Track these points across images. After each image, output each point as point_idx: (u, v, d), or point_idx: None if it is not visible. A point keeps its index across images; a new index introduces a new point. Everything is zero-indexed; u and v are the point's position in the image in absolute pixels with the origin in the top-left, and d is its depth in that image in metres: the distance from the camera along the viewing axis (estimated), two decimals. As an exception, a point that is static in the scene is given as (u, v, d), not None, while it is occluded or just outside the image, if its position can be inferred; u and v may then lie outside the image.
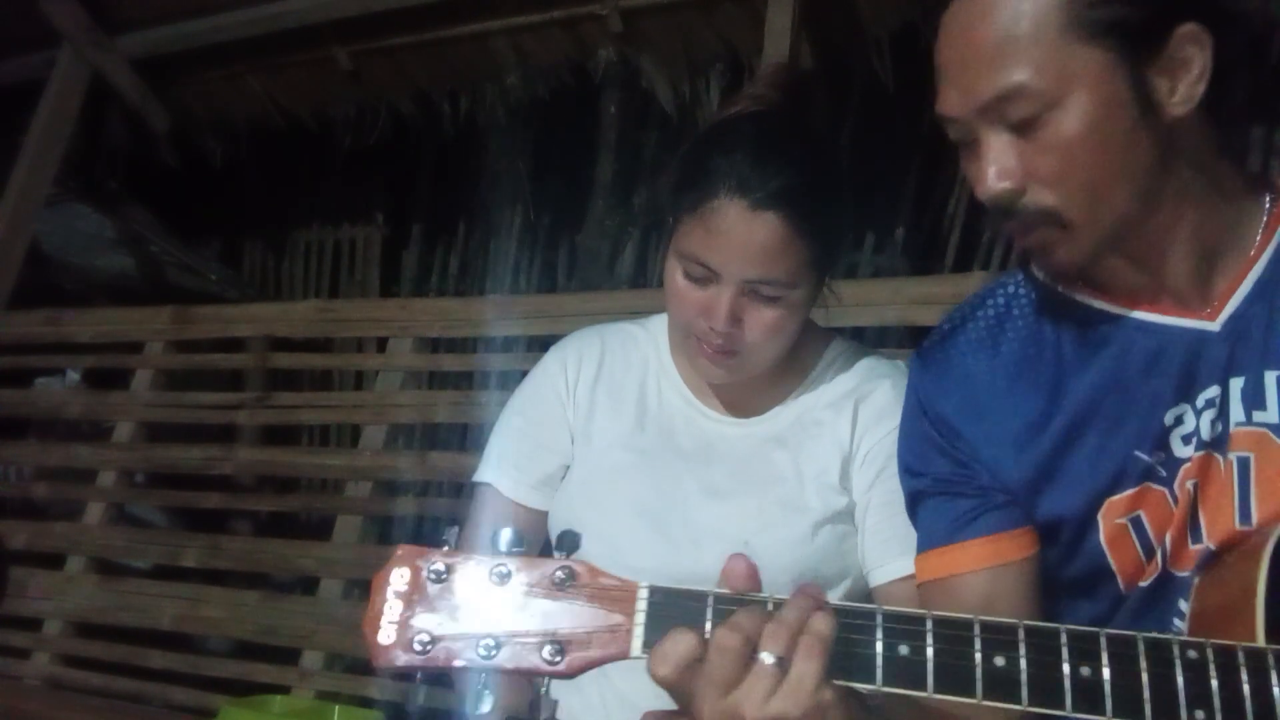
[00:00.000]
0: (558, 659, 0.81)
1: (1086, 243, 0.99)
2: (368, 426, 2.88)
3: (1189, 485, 1.00)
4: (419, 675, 0.84)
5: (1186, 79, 0.95)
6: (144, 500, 3.28)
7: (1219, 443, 0.99)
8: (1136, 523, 1.03)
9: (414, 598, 0.84)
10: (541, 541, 1.37)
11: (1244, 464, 0.98)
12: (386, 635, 0.83)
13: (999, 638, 0.81)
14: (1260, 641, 0.83)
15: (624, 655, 0.82)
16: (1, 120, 3.84)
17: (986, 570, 1.07)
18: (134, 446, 3.17)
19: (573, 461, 1.38)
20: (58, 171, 3.75)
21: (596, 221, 3.82)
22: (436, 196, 4.56)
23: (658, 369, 1.41)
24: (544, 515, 1.38)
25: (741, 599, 0.84)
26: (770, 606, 0.83)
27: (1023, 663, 0.80)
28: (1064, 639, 0.81)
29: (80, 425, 3.40)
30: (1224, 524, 0.98)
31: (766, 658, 0.80)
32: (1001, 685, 0.80)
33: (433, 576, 0.84)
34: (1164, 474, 1.01)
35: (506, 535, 0.85)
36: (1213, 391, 1.00)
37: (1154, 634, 0.83)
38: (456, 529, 0.88)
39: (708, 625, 0.82)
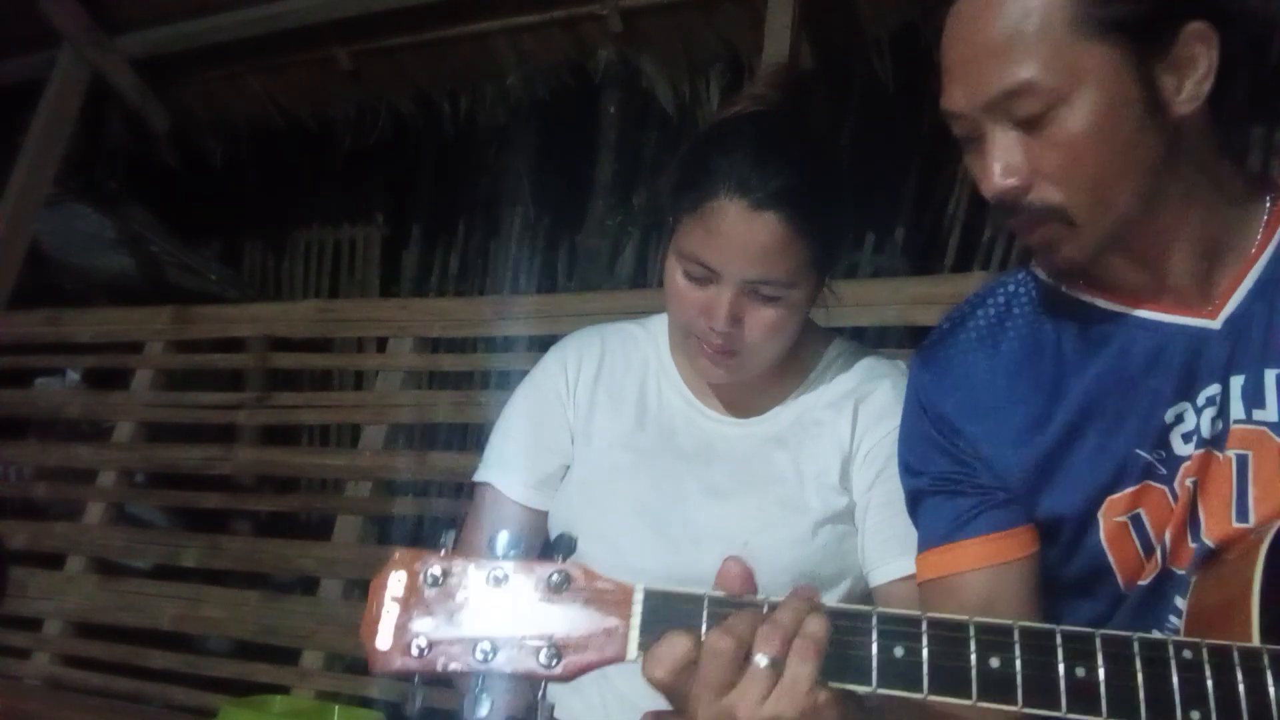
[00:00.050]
0: (554, 662, 0.81)
1: (1091, 240, 0.98)
2: (368, 426, 2.87)
3: (1189, 483, 1.00)
4: (417, 677, 0.84)
5: (1193, 77, 0.95)
6: (144, 500, 3.28)
7: (1219, 441, 0.99)
8: (1136, 521, 1.03)
9: (411, 602, 0.83)
10: (542, 541, 1.37)
11: (1242, 462, 0.98)
12: (384, 640, 0.83)
13: (994, 639, 0.81)
14: (1255, 640, 0.83)
15: (620, 658, 0.82)
16: (1, 120, 3.83)
17: (987, 569, 1.07)
18: (134, 446, 3.16)
19: (573, 461, 1.38)
20: (58, 171, 3.75)
21: (596, 221, 3.81)
22: (436, 196, 4.55)
23: (658, 369, 1.41)
24: (544, 515, 1.38)
25: (736, 601, 0.83)
26: (765, 609, 0.83)
27: (1018, 663, 0.80)
28: (1059, 639, 0.81)
29: (80, 425, 3.40)
30: (1222, 522, 0.98)
31: (761, 660, 0.79)
32: (997, 686, 0.80)
33: (430, 580, 0.84)
34: (1164, 472, 1.01)
35: (503, 539, 0.85)
36: (1213, 389, 1.00)
37: (1149, 634, 0.83)
38: (453, 532, 0.87)
39: (702, 628, 0.82)
